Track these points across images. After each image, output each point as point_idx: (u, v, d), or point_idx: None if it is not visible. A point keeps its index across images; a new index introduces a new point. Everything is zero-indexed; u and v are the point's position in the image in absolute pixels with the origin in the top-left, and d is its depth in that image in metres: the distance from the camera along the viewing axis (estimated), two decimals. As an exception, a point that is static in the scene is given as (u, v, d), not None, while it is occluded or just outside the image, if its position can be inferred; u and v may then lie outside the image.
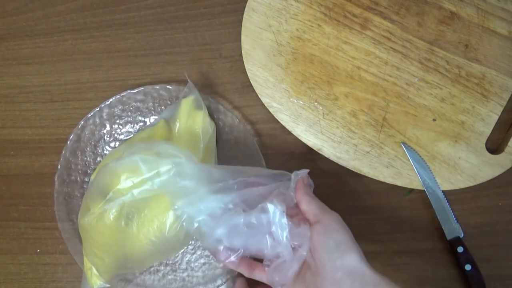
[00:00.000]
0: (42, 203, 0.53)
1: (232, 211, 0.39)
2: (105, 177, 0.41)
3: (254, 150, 0.50)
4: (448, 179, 0.47)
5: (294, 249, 0.38)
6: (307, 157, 0.50)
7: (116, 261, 0.45)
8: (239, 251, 0.39)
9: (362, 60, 0.49)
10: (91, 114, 0.51)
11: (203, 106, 0.48)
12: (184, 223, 0.41)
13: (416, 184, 0.47)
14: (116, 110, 0.52)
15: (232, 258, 0.39)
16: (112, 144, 0.52)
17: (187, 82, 0.48)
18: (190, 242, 0.50)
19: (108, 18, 0.55)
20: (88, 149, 0.52)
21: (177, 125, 0.48)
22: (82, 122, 0.51)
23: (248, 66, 0.50)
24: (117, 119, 0.52)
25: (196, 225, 0.40)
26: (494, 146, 0.48)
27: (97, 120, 0.52)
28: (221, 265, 0.48)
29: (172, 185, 0.40)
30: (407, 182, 0.47)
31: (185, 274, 0.49)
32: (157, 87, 0.51)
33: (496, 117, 0.47)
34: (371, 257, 0.48)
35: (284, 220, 0.38)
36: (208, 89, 0.52)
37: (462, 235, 0.46)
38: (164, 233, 0.42)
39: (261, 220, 0.38)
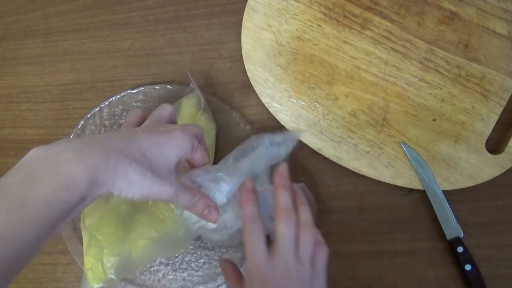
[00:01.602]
0: (42, 203, 0.53)
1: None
2: None
3: (254, 150, 0.50)
4: (448, 179, 0.47)
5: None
6: (307, 157, 0.50)
7: (117, 261, 0.45)
8: None
9: (362, 60, 0.49)
10: (91, 114, 0.51)
11: (205, 105, 0.48)
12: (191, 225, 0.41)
13: (416, 184, 0.47)
14: (116, 110, 0.52)
15: None
16: (112, 144, 0.52)
17: (190, 80, 0.48)
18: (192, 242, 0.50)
19: (108, 18, 0.55)
20: (88, 149, 0.52)
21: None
22: (82, 122, 0.51)
23: (248, 66, 0.50)
24: (117, 119, 0.52)
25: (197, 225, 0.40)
26: (494, 146, 0.48)
27: (97, 120, 0.52)
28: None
29: None
30: (407, 182, 0.47)
31: (185, 273, 0.49)
32: (157, 87, 0.51)
33: (496, 117, 0.47)
34: (371, 257, 0.48)
35: None
36: (208, 89, 0.52)
37: (462, 235, 0.46)
38: (167, 229, 0.43)
39: None
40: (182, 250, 0.49)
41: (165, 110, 0.40)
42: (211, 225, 0.40)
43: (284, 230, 0.36)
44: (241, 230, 0.39)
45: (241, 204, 0.38)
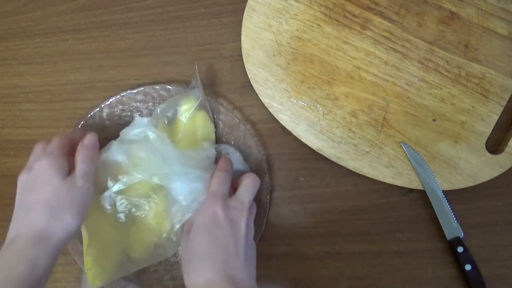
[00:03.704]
0: (42, 203, 0.53)
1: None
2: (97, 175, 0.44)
3: (254, 150, 0.50)
4: (448, 179, 0.47)
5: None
6: (307, 157, 0.50)
7: (117, 261, 0.45)
8: None
9: (362, 60, 0.49)
10: (91, 114, 0.51)
11: (205, 105, 0.49)
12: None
13: (416, 184, 0.47)
14: (116, 110, 0.52)
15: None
16: (112, 144, 0.52)
17: (195, 74, 0.48)
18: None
19: (108, 18, 0.55)
20: (88, 149, 0.52)
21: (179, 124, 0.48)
22: (82, 122, 0.51)
23: (248, 66, 0.50)
24: (117, 119, 0.52)
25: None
26: (494, 146, 0.48)
27: (97, 120, 0.52)
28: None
29: (155, 169, 0.43)
30: (407, 182, 0.47)
31: (185, 274, 0.49)
32: (157, 87, 0.51)
33: (496, 117, 0.47)
34: (371, 257, 0.49)
35: None
36: (208, 89, 0.52)
37: (462, 235, 0.46)
38: (165, 232, 0.43)
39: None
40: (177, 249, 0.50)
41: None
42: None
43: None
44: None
45: (220, 161, 0.45)
